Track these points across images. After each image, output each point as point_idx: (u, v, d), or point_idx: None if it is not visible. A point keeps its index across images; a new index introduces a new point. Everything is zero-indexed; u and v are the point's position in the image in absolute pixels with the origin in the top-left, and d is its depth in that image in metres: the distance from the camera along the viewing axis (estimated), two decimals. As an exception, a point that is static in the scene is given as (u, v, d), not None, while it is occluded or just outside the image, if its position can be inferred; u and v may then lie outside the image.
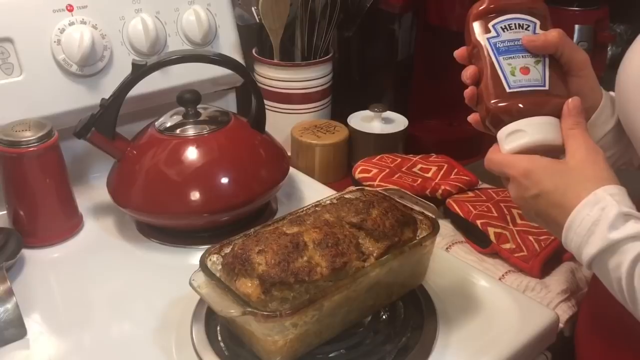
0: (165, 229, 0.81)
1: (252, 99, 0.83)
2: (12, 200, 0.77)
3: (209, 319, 0.63)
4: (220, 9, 0.96)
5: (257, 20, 1.01)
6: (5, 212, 0.79)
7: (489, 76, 0.56)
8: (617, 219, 0.48)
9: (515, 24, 0.57)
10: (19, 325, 0.63)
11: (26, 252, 0.76)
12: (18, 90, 0.80)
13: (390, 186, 0.83)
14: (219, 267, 0.59)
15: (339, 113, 1.08)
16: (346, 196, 0.68)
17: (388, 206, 0.64)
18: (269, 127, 0.86)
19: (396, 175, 0.89)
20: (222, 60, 0.80)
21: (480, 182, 0.92)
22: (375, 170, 0.91)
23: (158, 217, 0.78)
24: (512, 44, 0.56)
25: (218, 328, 0.62)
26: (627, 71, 0.55)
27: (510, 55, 0.56)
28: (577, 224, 0.50)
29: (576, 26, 1.27)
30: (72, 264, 0.76)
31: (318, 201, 0.68)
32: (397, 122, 1.02)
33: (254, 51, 1.06)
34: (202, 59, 0.80)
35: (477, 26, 0.57)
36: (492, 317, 0.66)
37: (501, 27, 0.57)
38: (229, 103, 1.05)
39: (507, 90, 0.55)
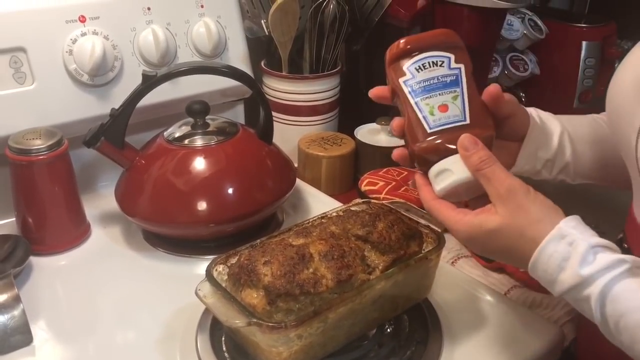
0: (171, 239, 0.81)
1: (260, 110, 0.84)
2: (21, 208, 0.78)
3: (214, 329, 0.64)
4: (230, 22, 0.97)
5: (266, 33, 1.02)
6: (14, 219, 0.80)
7: (410, 119, 0.55)
8: (587, 253, 0.47)
9: (429, 63, 0.56)
10: (25, 332, 0.63)
11: (34, 260, 0.76)
12: (30, 99, 0.81)
13: (397, 199, 0.84)
14: (225, 277, 0.59)
15: (346, 125, 1.09)
16: (352, 208, 0.69)
17: (394, 219, 0.64)
18: (276, 139, 0.87)
19: (402, 189, 0.89)
20: (231, 72, 0.81)
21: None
22: (381, 183, 0.91)
23: (165, 227, 0.78)
24: (428, 83, 0.55)
25: (223, 338, 0.63)
26: (618, 87, 0.55)
27: (427, 95, 0.55)
28: (544, 260, 0.49)
29: (584, 42, 1.27)
30: (79, 271, 0.77)
31: (324, 213, 0.68)
32: (404, 136, 1.02)
33: (262, 63, 1.07)
34: (212, 71, 0.81)
35: (393, 70, 0.57)
36: (497, 332, 0.66)
37: (415, 68, 0.56)
38: (237, 114, 1.06)
39: (428, 130, 0.54)
